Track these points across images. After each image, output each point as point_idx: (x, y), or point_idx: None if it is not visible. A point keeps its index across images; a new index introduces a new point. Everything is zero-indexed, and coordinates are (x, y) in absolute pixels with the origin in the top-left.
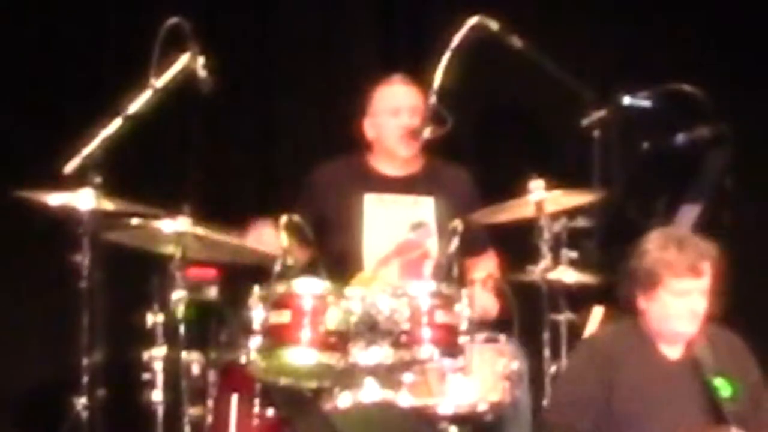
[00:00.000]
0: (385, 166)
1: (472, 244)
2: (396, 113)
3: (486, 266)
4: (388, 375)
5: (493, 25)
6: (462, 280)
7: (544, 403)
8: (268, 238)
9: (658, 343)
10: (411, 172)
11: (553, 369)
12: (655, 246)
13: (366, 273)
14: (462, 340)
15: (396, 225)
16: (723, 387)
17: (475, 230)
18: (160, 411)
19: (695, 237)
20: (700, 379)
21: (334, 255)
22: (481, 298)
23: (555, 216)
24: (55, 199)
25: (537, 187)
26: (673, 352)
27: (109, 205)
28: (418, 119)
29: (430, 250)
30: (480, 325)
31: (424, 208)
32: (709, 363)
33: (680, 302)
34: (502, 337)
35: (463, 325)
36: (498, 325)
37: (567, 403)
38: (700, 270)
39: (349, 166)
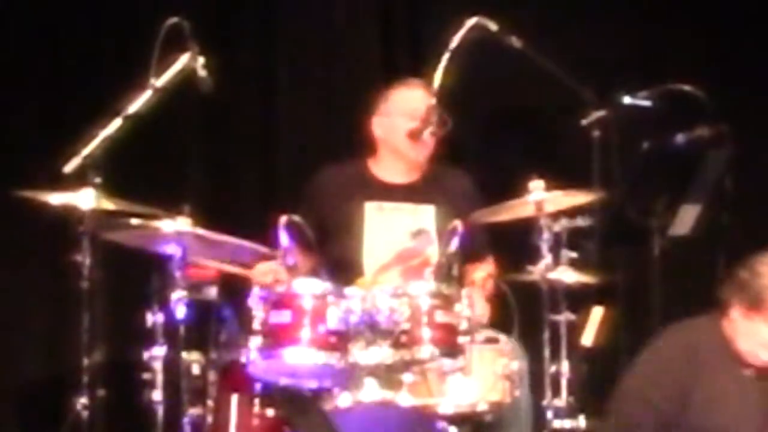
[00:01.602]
0: (386, 172)
1: (472, 250)
2: (414, 117)
3: (484, 272)
4: (388, 375)
5: (493, 26)
6: (462, 280)
7: (545, 402)
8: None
9: (738, 357)
10: (412, 179)
11: (553, 369)
12: None
13: (365, 279)
14: (462, 340)
15: (396, 233)
16: None
17: (476, 236)
18: (160, 411)
19: None
20: None
21: (334, 263)
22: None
23: (555, 216)
24: (55, 198)
25: (537, 187)
26: (747, 370)
27: (109, 205)
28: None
29: (431, 258)
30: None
31: (425, 215)
32: None
33: None
34: (503, 337)
35: (463, 325)
36: (498, 325)
37: (639, 395)
38: None
39: (350, 172)
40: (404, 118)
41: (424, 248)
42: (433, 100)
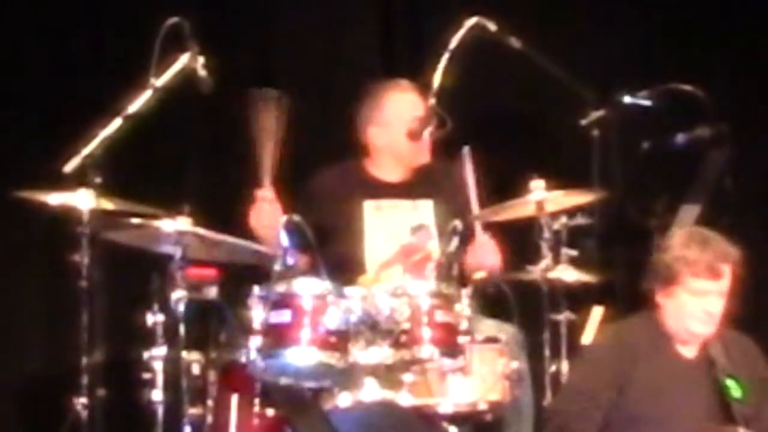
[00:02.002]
0: (382, 171)
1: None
2: (413, 122)
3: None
4: (388, 375)
5: (493, 26)
6: (462, 280)
7: (545, 402)
8: (270, 215)
9: (674, 341)
10: (409, 176)
11: (553, 369)
12: (678, 243)
13: (368, 276)
14: (462, 339)
15: (397, 230)
16: (734, 388)
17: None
18: (160, 411)
19: (720, 238)
20: (712, 379)
21: (336, 262)
22: (485, 250)
23: (555, 215)
24: (55, 198)
25: (537, 187)
26: (687, 351)
27: (109, 205)
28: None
29: (432, 253)
30: (486, 284)
31: (424, 211)
32: (721, 363)
33: (697, 302)
34: (503, 337)
35: (463, 325)
36: (498, 316)
37: (581, 391)
38: (720, 271)
39: (347, 173)
40: (404, 126)
41: (425, 243)
42: (433, 100)
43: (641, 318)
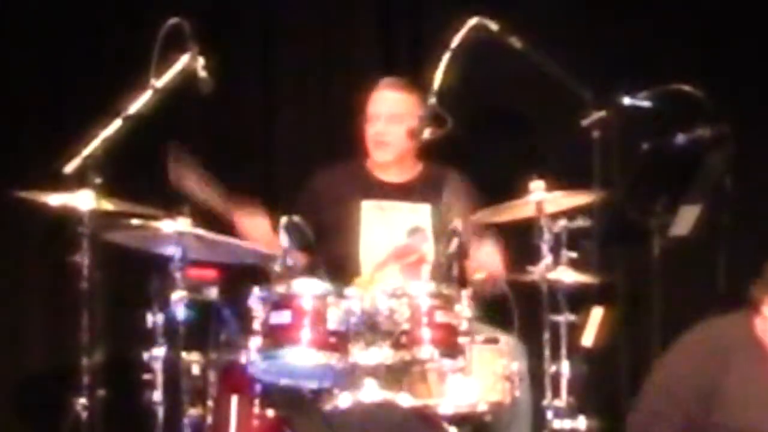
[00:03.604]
0: (382, 171)
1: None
2: (371, 119)
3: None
4: (388, 375)
5: (493, 26)
6: (462, 280)
7: (545, 402)
8: (260, 230)
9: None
10: (409, 178)
11: (553, 369)
12: None
13: (363, 278)
14: (462, 340)
15: (393, 231)
16: None
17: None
18: (160, 411)
19: None
20: None
21: (331, 261)
22: (487, 257)
23: (555, 216)
24: (55, 199)
25: (537, 187)
26: None
27: (109, 206)
28: (401, 125)
29: (426, 256)
30: (487, 286)
31: (421, 214)
32: None
33: None
34: (502, 338)
35: (463, 325)
36: (498, 324)
37: (664, 389)
38: None
39: (348, 172)
40: (368, 121)
41: (419, 245)
42: (433, 100)
43: (737, 319)
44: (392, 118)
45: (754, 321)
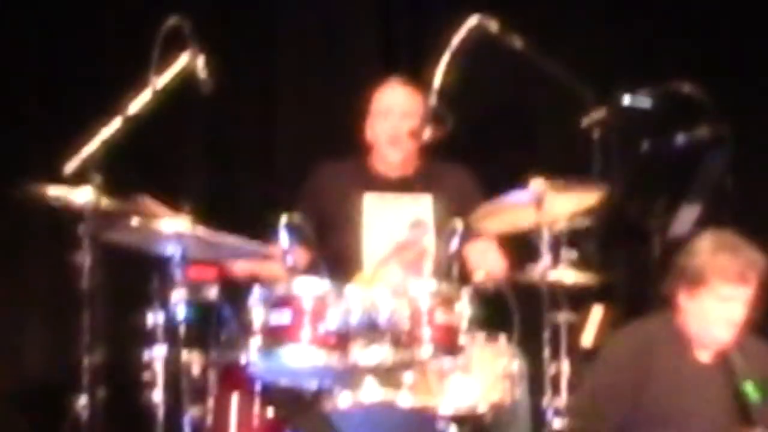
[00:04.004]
0: (384, 166)
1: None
2: (386, 115)
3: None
4: (388, 375)
5: (493, 26)
6: (462, 280)
7: (545, 402)
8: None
9: (692, 344)
10: (410, 172)
11: (553, 369)
12: (707, 247)
13: (365, 274)
14: (462, 339)
15: (396, 224)
16: (752, 391)
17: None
18: (160, 411)
19: (748, 245)
20: (730, 384)
21: (333, 254)
22: (488, 255)
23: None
24: (55, 191)
25: (537, 187)
26: (704, 355)
27: (109, 205)
28: (412, 123)
29: (427, 248)
30: (487, 284)
31: (423, 205)
32: (740, 367)
33: (721, 307)
34: (502, 338)
35: (463, 325)
36: (498, 325)
37: (600, 390)
38: (749, 278)
39: (350, 166)
40: (378, 117)
41: (420, 238)
42: (433, 100)
43: (658, 319)
44: (405, 115)
45: (674, 316)
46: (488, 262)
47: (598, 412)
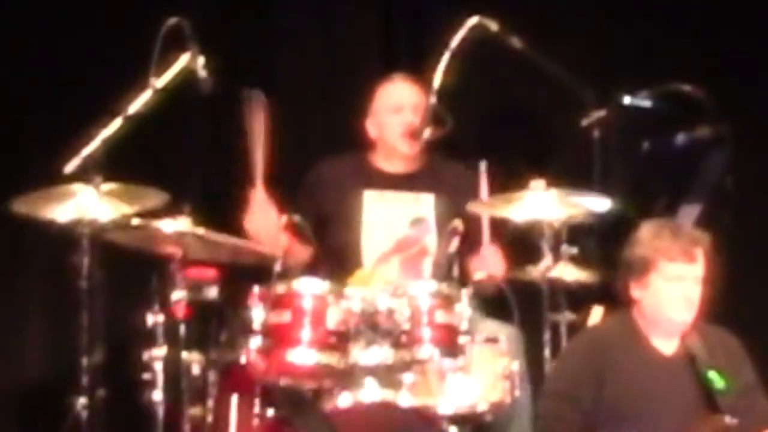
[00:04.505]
0: (386, 163)
1: (475, 241)
2: (398, 110)
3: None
4: (388, 375)
5: (493, 26)
6: (462, 280)
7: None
8: (263, 216)
9: (652, 336)
10: (412, 169)
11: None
12: (648, 233)
13: (365, 270)
14: (462, 340)
15: (396, 221)
16: (716, 380)
17: (477, 227)
18: (160, 411)
19: (688, 226)
20: (694, 375)
21: (333, 252)
22: (488, 257)
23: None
24: (61, 213)
25: (537, 187)
26: (666, 346)
27: (109, 205)
28: (420, 118)
29: (429, 246)
30: (486, 286)
31: (424, 204)
32: (702, 357)
33: (674, 288)
34: (502, 335)
35: (463, 325)
36: (498, 316)
37: (561, 392)
38: (694, 255)
39: (350, 163)
40: (389, 113)
41: (422, 236)
42: (433, 100)
43: (615, 317)
44: (416, 109)
45: (630, 312)
46: (489, 266)
47: (562, 414)
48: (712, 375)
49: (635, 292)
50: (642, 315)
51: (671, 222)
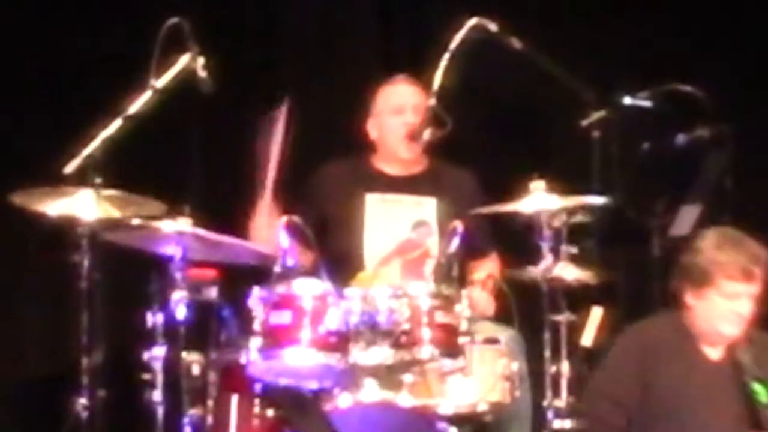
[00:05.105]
0: (388, 166)
1: (474, 247)
2: (399, 112)
3: (488, 269)
4: (388, 375)
5: (493, 26)
6: (462, 281)
7: (545, 402)
8: (270, 228)
9: (700, 341)
10: (414, 172)
11: (553, 369)
12: (710, 245)
13: (367, 272)
14: (462, 340)
15: (398, 225)
16: (761, 392)
17: (478, 232)
18: (160, 411)
19: (751, 240)
20: (739, 383)
21: (335, 255)
22: (477, 298)
23: (555, 212)
24: (53, 207)
25: (537, 187)
26: (713, 352)
27: (109, 205)
28: (420, 119)
29: (431, 250)
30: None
31: (427, 208)
32: (749, 367)
33: (729, 304)
34: (502, 337)
35: (463, 326)
36: (498, 319)
37: (604, 393)
38: (753, 274)
39: (352, 166)
40: (390, 115)
41: (424, 240)
42: (433, 100)
43: (666, 317)
44: (417, 110)
45: (681, 314)
46: (478, 308)
47: (605, 414)
48: (757, 387)
49: (689, 299)
50: (692, 322)
51: (734, 234)
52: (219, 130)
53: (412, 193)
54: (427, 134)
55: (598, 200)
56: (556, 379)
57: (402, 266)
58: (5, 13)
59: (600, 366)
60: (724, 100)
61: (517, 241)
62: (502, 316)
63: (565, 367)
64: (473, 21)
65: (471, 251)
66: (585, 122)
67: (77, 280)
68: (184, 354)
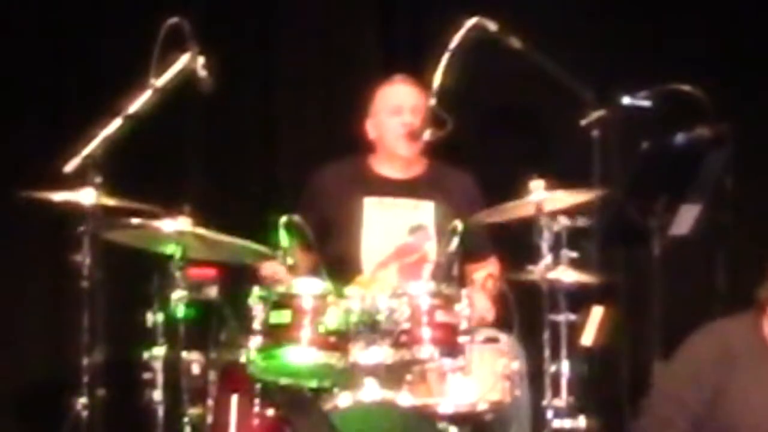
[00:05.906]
0: (386, 168)
1: (474, 250)
2: (397, 112)
3: (487, 271)
4: (388, 375)
5: (493, 26)
6: (462, 280)
7: (545, 402)
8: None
9: None
10: (413, 175)
11: (553, 369)
12: None
13: (364, 276)
14: (462, 339)
15: (395, 228)
16: None
17: (477, 235)
18: (160, 411)
19: None
20: None
21: (333, 258)
22: (477, 302)
23: (555, 215)
24: (58, 196)
25: (537, 187)
26: None
27: (109, 204)
28: (420, 119)
29: (429, 254)
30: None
31: (425, 211)
32: None
33: None
34: (502, 337)
35: (463, 325)
36: (498, 323)
37: (669, 392)
38: None
39: (351, 168)
40: (389, 114)
41: (422, 244)
42: (433, 100)
43: (743, 321)
44: (416, 110)
45: (761, 322)
46: (477, 311)
47: (668, 417)
48: None
49: None
50: None
51: None
52: (219, 130)
53: (410, 196)
54: (427, 134)
55: (597, 193)
56: (556, 379)
57: (399, 270)
58: (5, 13)
59: (671, 365)
60: (724, 100)
61: (516, 241)
62: (501, 320)
63: (564, 366)
64: (473, 20)
65: (470, 255)
66: (584, 122)
67: (78, 280)
68: (184, 354)
